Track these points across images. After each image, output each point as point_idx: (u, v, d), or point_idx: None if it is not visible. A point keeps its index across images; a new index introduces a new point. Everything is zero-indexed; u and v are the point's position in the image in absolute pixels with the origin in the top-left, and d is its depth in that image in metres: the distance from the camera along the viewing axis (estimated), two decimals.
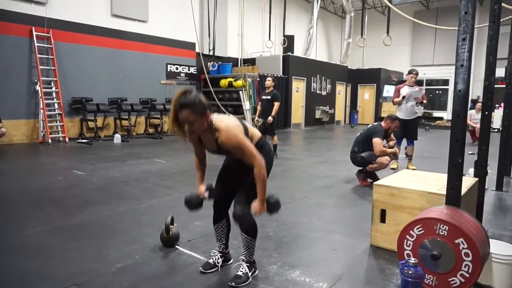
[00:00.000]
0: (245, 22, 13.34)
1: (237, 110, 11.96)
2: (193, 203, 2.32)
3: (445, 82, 16.47)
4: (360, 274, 2.39)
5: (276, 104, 6.79)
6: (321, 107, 14.91)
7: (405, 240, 2.10)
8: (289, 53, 13.70)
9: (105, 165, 6.13)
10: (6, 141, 8.41)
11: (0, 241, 2.88)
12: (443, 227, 1.96)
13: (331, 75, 15.63)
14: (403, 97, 5.85)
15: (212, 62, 11.39)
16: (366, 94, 17.40)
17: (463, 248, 1.91)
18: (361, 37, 12.55)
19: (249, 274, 2.25)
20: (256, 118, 7.07)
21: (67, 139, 9.15)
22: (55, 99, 9.20)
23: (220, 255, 2.43)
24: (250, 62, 13.55)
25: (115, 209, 3.76)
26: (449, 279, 1.96)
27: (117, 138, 9.45)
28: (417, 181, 2.82)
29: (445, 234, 1.96)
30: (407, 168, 5.78)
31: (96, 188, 4.65)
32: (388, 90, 16.74)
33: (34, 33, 8.79)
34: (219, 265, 2.40)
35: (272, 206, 2.21)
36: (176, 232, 2.82)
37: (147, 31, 11.11)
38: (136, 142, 9.48)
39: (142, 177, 5.25)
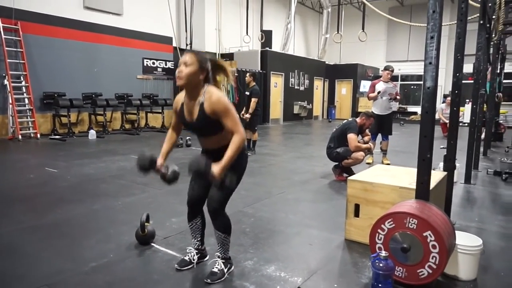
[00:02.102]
0: (222, 16, 13.24)
1: None
2: (145, 165, 2.19)
3: (419, 77, 16.90)
4: (334, 268, 2.45)
5: (252, 100, 6.74)
6: (299, 102, 15.03)
7: (377, 234, 2.17)
8: (267, 48, 13.70)
9: (79, 162, 5.98)
10: None
11: None
12: (412, 220, 2.03)
13: (309, 70, 15.75)
14: (378, 93, 5.97)
15: None
16: (343, 89, 17.65)
17: (430, 241, 1.98)
18: (338, 33, 12.70)
19: (225, 270, 2.26)
20: (242, 113, 6.98)
21: (38, 135, 8.86)
22: (25, 93, 8.86)
23: (196, 252, 2.43)
24: (228, 57, 13.47)
25: (90, 207, 3.69)
26: (418, 271, 2.04)
27: (92, 134, 9.23)
28: (389, 176, 2.90)
29: (414, 228, 2.03)
30: (382, 162, 5.93)
31: (69, 185, 4.54)
32: (365, 85, 17.04)
33: (1, 25, 8.40)
34: (195, 262, 2.40)
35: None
36: (151, 229, 2.80)
37: (122, 24, 10.84)
38: (112, 138, 9.29)
39: (118, 174, 5.16)
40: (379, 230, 2.16)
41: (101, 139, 9.09)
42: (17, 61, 8.73)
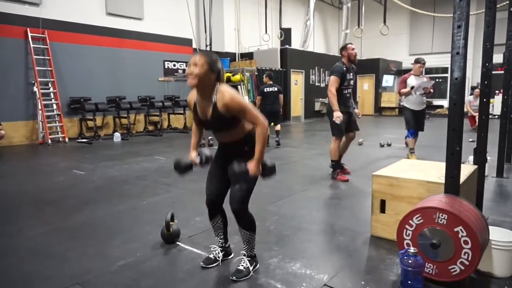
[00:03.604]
0: (241, 16, 13.24)
1: None
2: (181, 167, 2.26)
3: (445, 70, 16.37)
4: (361, 265, 2.39)
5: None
6: (321, 99, 14.86)
7: (405, 230, 2.10)
8: (287, 46, 13.62)
9: (105, 164, 6.14)
10: (5, 143, 8.41)
11: (1, 243, 2.89)
12: (442, 215, 1.96)
13: (330, 66, 15.35)
14: (412, 88, 5.48)
15: None
16: (365, 84, 17.32)
17: (462, 236, 1.90)
18: (358, 27, 12.47)
19: (250, 268, 2.25)
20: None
21: (67, 139, 9.16)
22: (53, 99, 9.18)
23: (221, 250, 2.44)
24: (248, 56, 13.49)
25: (115, 208, 3.77)
26: (449, 267, 1.96)
27: (117, 136, 9.46)
28: (416, 170, 2.81)
29: (444, 223, 1.95)
30: (408, 158, 5.73)
31: (96, 187, 4.66)
32: (387, 80, 16.69)
33: (29, 34, 8.74)
34: (220, 259, 2.41)
35: (268, 170, 2.19)
36: (176, 228, 2.83)
37: (143, 28, 11.05)
38: (136, 140, 9.49)
39: (142, 174, 5.25)
40: (407, 226, 2.09)
41: (125, 141, 9.30)
42: (45, 68, 9.05)
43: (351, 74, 4.67)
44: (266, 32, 12.63)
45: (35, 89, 8.84)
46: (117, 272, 2.35)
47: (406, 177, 2.58)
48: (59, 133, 9.23)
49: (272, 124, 7.89)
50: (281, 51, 13.46)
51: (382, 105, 16.75)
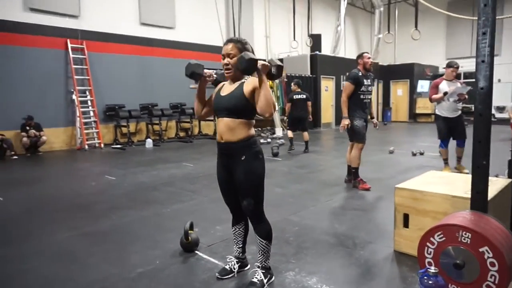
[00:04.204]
0: (271, 23, 13.33)
1: None
2: (190, 68, 2.24)
3: None
4: (381, 282, 2.29)
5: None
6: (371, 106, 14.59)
7: (426, 247, 2.00)
8: (317, 52, 13.50)
9: (135, 170, 6.33)
10: (47, 149, 8.91)
11: (30, 246, 3.04)
12: (465, 234, 1.84)
13: None
14: (445, 94, 5.14)
15: None
16: (399, 90, 16.80)
17: (488, 257, 1.78)
18: (388, 33, 12.14)
19: (265, 281, 2.22)
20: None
21: (102, 145, 9.55)
22: (90, 107, 9.63)
23: (237, 261, 2.43)
24: None
25: (140, 213, 3.86)
26: None
27: (149, 142, 9.75)
28: (443, 183, 2.67)
29: (468, 242, 1.84)
30: (459, 171, 5.28)
31: (124, 193, 4.81)
32: (423, 85, 16.08)
33: (69, 45, 9.26)
34: (236, 271, 2.40)
35: (277, 69, 2.11)
36: (195, 237, 2.85)
37: (174, 37, 11.36)
38: (167, 146, 9.73)
39: (169, 181, 5.36)
40: (428, 244, 1.99)
41: (157, 147, 9.56)
42: (83, 77, 9.53)
43: (369, 80, 4.60)
44: (294, 39, 12.59)
45: (74, 97, 9.31)
46: (134, 280, 2.40)
47: (430, 191, 2.46)
48: (95, 139, 9.65)
49: (301, 131, 8.15)
50: (311, 57, 13.36)
51: (417, 111, 16.15)
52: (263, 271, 2.25)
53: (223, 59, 2.17)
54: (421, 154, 7.01)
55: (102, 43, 9.87)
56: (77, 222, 3.64)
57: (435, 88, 5.34)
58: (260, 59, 2.05)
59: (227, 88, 2.26)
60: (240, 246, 2.44)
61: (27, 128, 8.42)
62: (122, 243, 3.05)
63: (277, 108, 11.57)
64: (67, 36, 9.25)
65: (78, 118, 9.33)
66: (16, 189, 5.12)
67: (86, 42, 9.52)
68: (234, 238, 2.44)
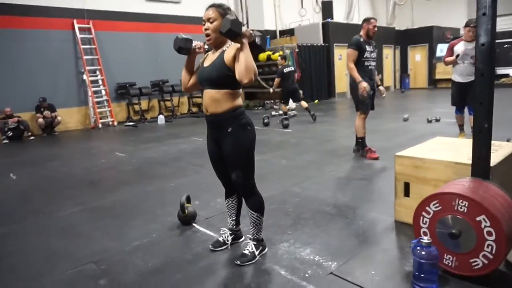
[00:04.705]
0: None
1: None
2: (178, 43, 2.15)
3: None
4: (376, 252, 2.22)
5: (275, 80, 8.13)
6: (376, 73, 14.09)
7: (421, 217, 1.90)
8: (329, 20, 12.98)
9: (145, 146, 6.38)
10: (62, 128, 9.09)
11: (38, 221, 3.13)
12: (462, 202, 1.73)
13: (377, 38, 14.19)
14: (457, 56, 4.79)
15: None
16: (417, 55, 16.07)
17: (485, 226, 1.67)
18: None
19: (256, 252, 2.19)
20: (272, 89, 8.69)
21: (115, 123, 9.66)
22: (101, 86, 9.67)
23: (230, 233, 2.41)
24: (289, 32, 13.09)
25: (145, 188, 3.89)
26: (471, 260, 1.74)
27: (161, 119, 9.78)
28: (447, 150, 2.52)
29: (465, 211, 1.73)
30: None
31: (132, 169, 4.85)
32: (442, 49, 15.27)
33: (76, 25, 9.21)
34: (229, 243, 2.38)
35: (261, 39, 2.05)
36: (192, 210, 2.84)
37: (180, 12, 11.11)
38: (179, 122, 9.74)
39: (177, 156, 5.37)
40: (423, 213, 1.89)
41: (169, 123, 9.59)
42: (92, 57, 9.52)
43: (371, 47, 4.37)
44: (302, 7, 12.09)
45: (85, 77, 9.36)
46: (130, 252, 2.42)
47: (432, 158, 2.33)
48: (108, 117, 9.75)
49: (295, 102, 8.54)
50: (323, 25, 12.86)
51: (437, 77, 15.44)
52: (255, 243, 2.22)
53: (203, 24, 2.06)
54: (437, 120, 6.74)
55: (108, 21, 9.77)
56: (84, 198, 3.70)
57: (450, 50, 4.97)
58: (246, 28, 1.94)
59: (209, 58, 2.16)
60: (234, 218, 2.41)
61: (42, 109, 8.58)
62: (124, 218, 3.09)
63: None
64: (74, 16, 9.19)
65: (90, 98, 9.42)
66: (30, 168, 5.25)
67: (92, 22, 9.45)
68: (228, 211, 2.41)
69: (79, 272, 2.21)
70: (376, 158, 4.33)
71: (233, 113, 2.08)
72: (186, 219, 2.80)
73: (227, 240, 2.38)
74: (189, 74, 2.32)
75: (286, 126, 7.23)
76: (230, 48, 2.04)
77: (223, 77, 2.03)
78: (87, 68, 9.33)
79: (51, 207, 3.49)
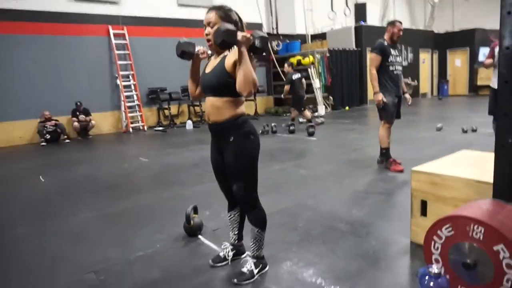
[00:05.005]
0: None
1: (307, 89, 11.50)
2: (180, 48, 2.08)
3: None
4: (385, 277, 2.03)
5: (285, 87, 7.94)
6: (403, 79, 13.53)
7: (433, 242, 1.71)
8: (362, 23, 12.62)
9: (169, 151, 6.44)
10: (96, 132, 9.44)
11: (52, 225, 3.19)
12: (477, 228, 1.53)
13: (414, 42, 13.98)
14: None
15: (276, 42, 11.09)
16: (457, 60, 15.23)
17: (504, 258, 1.46)
18: None
19: (255, 271, 2.08)
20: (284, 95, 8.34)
21: (145, 128, 9.90)
22: (133, 91, 9.96)
23: (232, 248, 2.31)
24: (320, 37, 12.86)
25: (160, 195, 3.89)
26: None
27: (189, 124, 9.90)
28: (470, 165, 2.29)
29: (481, 238, 1.52)
30: None
31: (152, 174, 4.89)
32: (485, 54, 14.43)
33: (111, 31, 9.56)
34: (229, 258, 2.28)
35: (261, 41, 1.87)
36: (198, 221, 2.78)
37: None
38: (207, 127, 9.77)
39: (198, 162, 5.36)
40: (435, 237, 1.70)
41: (197, 128, 9.69)
42: (125, 62, 9.83)
43: (396, 51, 4.14)
44: (332, 10, 11.81)
45: (118, 82, 9.68)
46: (131, 263, 2.39)
47: (451, 174, 2.11)
48: (139, 122, 10.01)
49: (300, 110, 7.98)
50: (356, 29, 12.52)
51: (479, 83, 14.54)
52: (255, 260, 2.11)
53: (205, 29, 1.98)
54: (474, 131, 6.29)
55: (142, 27, 10.07)
56: (100, 203, 3.75)
57: (491, 51, 4.51)
58: (243, 33, 1.84)
59: (211, 63, 2.08)
60: (236, 233, 2.31)
61: (77, 113, 8.95)
62: (133, 226, 3.08)
63: (319, 85, 11.09)
64: (109, 22, 9.55)
65: (122, 102, 9.71)
66: (59, 170, 5.45)
67: (127, 28, 9.77)
68: (230, 224, 2.32)
69: (78, 282, 2.20)
70: (401, 171, 4.07)
71: (235, 121, 2.00)
72: (192, 230, 2.74)
73: (228, 256, 2.28)
74: (195, 82, 2.26)
75: (311, 134, 7.04)
76: (231, 53, 1.95)
77: (224, 84, 1.95)
78: (121, 73, 9.65)
79: (68, 211, 3.55)
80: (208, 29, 1.96)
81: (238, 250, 2.33)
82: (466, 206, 1.71)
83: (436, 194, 2.19)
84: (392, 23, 4.18)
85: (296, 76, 7.85)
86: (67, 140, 8.66)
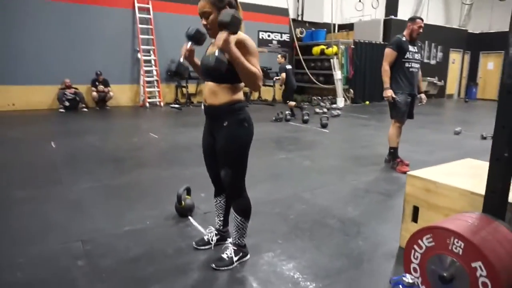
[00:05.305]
0: None
1: (328, 80, 11.32)
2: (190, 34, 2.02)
3: None
4: (364, 279, 2.00)
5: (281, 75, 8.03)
6: (428, 78, 13.05)
7: (413, 250, 1.65)
8: (392, 16, 12.17)
9: (180, 129, 6.49)
10: (114, 103, 9.58)
11: (55, 191, 3.28)
12: (457, 242, 1.47)
13: (445, 41, 13.41)
14: None
15: (300, 29, 10.86)
16: (490, 63, 14.55)
17: (480, 275, 1.40)
18: None
19: (234, 258, 2.08)
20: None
21: (162, 104, 9.98)
22: (153, 66, 10.01)
23: (216, 233, 2.32)
24: (348, 27, 12.53)
25: (161, 173, 3.93)
26: None
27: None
28: (470, 175, 2.18)
29: (460, 253, 1.46)
30: None
31: (158, 151, 4.94)
32: None
33: (136, 5, 9.57)
34: (213, 243, 2.29)
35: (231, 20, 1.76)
36: (190, 203, 2.80)
37: None
38: (189, 110, 9.64)
39: None
40: (415, 246, 1.64)
41: (179, 111, 9.64)
42: (148, 36, 9.86)
43: (415, 47, 3.96)
44: (360, 0, 11.42)
45: (139, 55, 9.74)
46: (119, 236, 2.43)
47: (446, 183, 2.02)
48: (157, 97, 10.09)
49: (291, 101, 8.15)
50: (385, 22, 12.10)
51: None
52: (235, 248, 2.11)
53: (201, 19, 1.94)
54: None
55: (167, 3, 10.04)
56: (102, 174, 3.83)
57: None
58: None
59: (210, 49, 2.05)
60: (221, 219, 2.32)
61: (97, 83, 9.10)
62: (128, 199, 3.13)
63: (340, 77, 10.85)
64: None
65: (141, 77, 9.79)
66: (70, 138, 5.58)
67: (152, 2, 9.76)
68: (216, 210, 2.32)
69: (64, 248, 2.26)
70: (406, 172, 3.95)
71: (231, 107, 1.98)
72: (183, 211, 2.76)
73: (212, 240, 2.30)
74: (198, 71, 2.23)
75: (324, 126, 6.94)
76: (236, 40, 1.89)
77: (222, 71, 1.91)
78: (142, 47, 9.69)
79: (70, 179, 3.64)
80: (204, 21, 1.91)
81: (222, 236, 2.33)
82: (451, 218, 1.64)
83: (429, 201, 2.11)
84: (412, 19, 4.01)
85: (289, 66, 8.09)
86: (85, 109, 8.85)
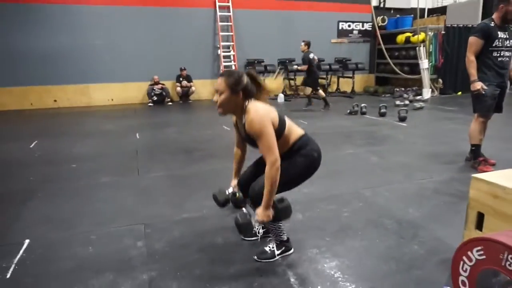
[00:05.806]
0: None
1: (413, 70, 10.47)
2: (220, 201, 2.27)
3: None
4: (410, 287, 1.85)
5: (301, 67, 8.04)
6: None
7: (462, 262, 1.49)
8: None
9: None
10: (196, 98, 10.23)
11: (131, 178, 3.66)
12: (511, 258, 1.28)
13: None
14: None
15: (382, 17, 10.19)
16: None
17: None
18: None
19: (276, 252, 2.11)
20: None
21: None
22: (232, 61, 10.39)
23: (263, 226, 2.36)
24: (440, 11, 11.38)
25: (226, 164, 4.06)
26: None
27: (281, 97, 9.98)
28: None
29: None
30: None
31: (228, 143, 5.10)
32: None
33: (217, 3, 10.01)
34: (260, 235, 2.34)
35: (281, 213, 2.00)
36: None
37: None
38: (298, 101, 9.72)
39: None
40: (464, 258, 1.47)
41: (288, 102, 9.72)
42: (227, 33, 10.25)
43: (506, 33, 3.40)
44: None
45: (219, 52, 10.19)
46: (176, 222, 2.63)
47: None
48: None
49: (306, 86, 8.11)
50: (485, 3, 10.68)
51: None
52: (278, 242, 2.13)
53: (214, 94, 1.99)
54: None
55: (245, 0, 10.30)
56: (173, 164, 4.15)
57: None
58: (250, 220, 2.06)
59: (238, 125, 2.15)
60: None
61: (181, 79, 9.79)
62: (191, 188, 3.35)
63: (427, 66, 9.94)
64: None
65: (221, 72, 10.23)
66: (153, 130, 6.13)
67: (232, 0, 10.10)
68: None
69: (129, 230, 2.53)
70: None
71: (290, 151, 2.05)
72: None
73: (259, 233, 2.35)
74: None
75: (403, 119, 6.46)
76: (246, 122, 1.91)
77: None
78: (222, 44, 10.12)
79: (146, 167, 4.02)
80: (216, 97, 1.95)
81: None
82: (508, 231, 1.43)
83: (495, 208, 1.86)
84: (506, 1, 3.47)
85: (312, 55, 7.86)
86: (170, 103, 9.60)
